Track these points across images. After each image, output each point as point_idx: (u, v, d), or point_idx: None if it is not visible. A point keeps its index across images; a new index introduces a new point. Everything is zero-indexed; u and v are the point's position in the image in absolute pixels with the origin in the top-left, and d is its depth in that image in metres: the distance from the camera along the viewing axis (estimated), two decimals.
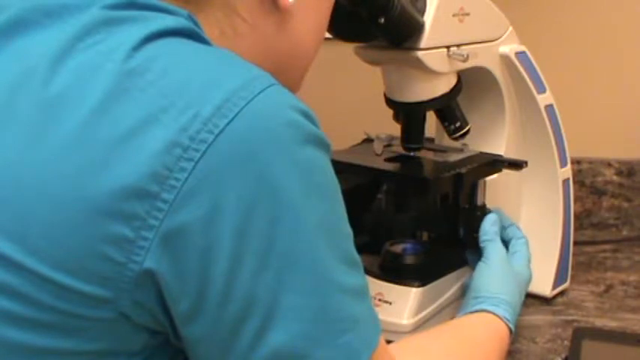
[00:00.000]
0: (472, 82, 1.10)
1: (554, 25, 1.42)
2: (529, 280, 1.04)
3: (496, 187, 1.11)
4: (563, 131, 1.16)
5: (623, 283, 1.23)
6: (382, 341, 0.68)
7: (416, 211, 1.12)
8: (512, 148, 1.14)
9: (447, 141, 1.12)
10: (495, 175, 1.11)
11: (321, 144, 0.64)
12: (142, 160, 0.59)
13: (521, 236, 1.06)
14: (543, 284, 1.15)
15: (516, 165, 1.08)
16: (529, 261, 1.05)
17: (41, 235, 0.60)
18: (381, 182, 1.16)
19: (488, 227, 1.04)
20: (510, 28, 1.12)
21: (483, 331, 0.93)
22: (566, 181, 1.16)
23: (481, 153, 1.11)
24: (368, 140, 1.19)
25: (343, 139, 1.17)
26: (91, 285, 0.60)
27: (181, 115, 0.59)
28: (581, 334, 1.00)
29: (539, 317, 1.11)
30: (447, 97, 1.05)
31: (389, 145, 1.12)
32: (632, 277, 1.24)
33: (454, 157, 1.09)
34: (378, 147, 1.11)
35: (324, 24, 0.83)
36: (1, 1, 0.70)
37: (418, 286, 1.03)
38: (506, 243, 1.06)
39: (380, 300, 1.03)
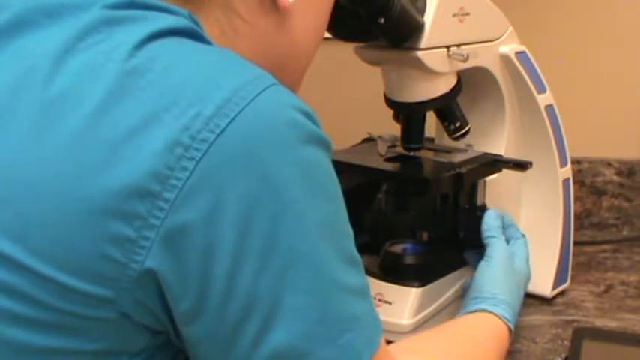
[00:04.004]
0: (472, 82, 1.10)
1: (554, 25, 1.42)
2: (528, 279, 1.04)
3: (496, 187, 1.11)
4: (563, 131, 1.16)
5: (623, 283, 1.23)
6: (383, 341, 0.68)
7: (416, 211, 1.12)
8: (512, 148, 1.14)
9: (449, 142, 1.12)
10: (495, 175, 1.11)
11: (322, 143, 0.64)
12: (144, 160, 0.59)
13: (520, 236, 1.06)
14: (543, 284, 1.15)
15: (521, 166, 1.07)
16: (527, 260, 1.05)
17: (42, 234, 0.60)
18: (381, 182, 1.16)
19: (492, 222, 1.03)
20: (510, 28, 1.12)
21: (483, 331, 0.93)
22: (566, 181, 1.16)
23: (485, 154, 1.11)
24: (368, 140, 1.19)
25: (343, 139, 1.17)
26: (92, 285, 0.60)
27: (183, 115, 0.59)
28: (581, 334, 1.00)
29: (539, 317, 1.11)
30: (447, 97, 1.05)
31: (393, 146, 1.12)
32: (632, 277, 1.24)
33: (458, 158, 1.08)
34: (381, 148, 1.11)
35: (324, 24, 0.83)
36: (1, 1, 0.70)
37: (418, 286, 1.03)
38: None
39: (380, 300, 1.03)
